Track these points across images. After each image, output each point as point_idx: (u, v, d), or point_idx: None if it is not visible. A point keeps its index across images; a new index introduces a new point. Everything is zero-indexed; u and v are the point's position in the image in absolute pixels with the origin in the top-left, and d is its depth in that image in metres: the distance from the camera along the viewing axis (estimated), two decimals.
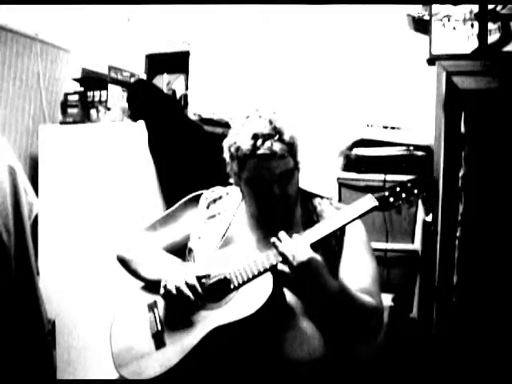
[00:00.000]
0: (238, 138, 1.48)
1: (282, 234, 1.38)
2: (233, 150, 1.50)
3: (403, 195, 1.42)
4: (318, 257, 1.34)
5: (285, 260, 1.34)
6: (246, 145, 1.46)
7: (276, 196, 1.48)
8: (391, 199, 1.42)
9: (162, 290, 1.46)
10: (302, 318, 1.44)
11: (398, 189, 1.43)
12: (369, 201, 1.42)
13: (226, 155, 1.54)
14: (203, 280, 1.44)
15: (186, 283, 1.42)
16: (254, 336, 1.39)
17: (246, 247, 1.49)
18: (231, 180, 1.59)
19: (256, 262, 1.41)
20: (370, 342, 1.58)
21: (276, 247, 1.36)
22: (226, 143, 1.55)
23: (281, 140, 1.46)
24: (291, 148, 1.49)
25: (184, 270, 1.47)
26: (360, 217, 1.42)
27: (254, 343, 1.39)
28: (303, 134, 1.57)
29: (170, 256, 1.61)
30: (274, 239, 1.37)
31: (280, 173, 1.47)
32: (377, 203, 1.41)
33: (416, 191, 1.42)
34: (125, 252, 1.65)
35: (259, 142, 1.44)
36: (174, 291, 1.42)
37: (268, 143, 1.44)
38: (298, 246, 1.34)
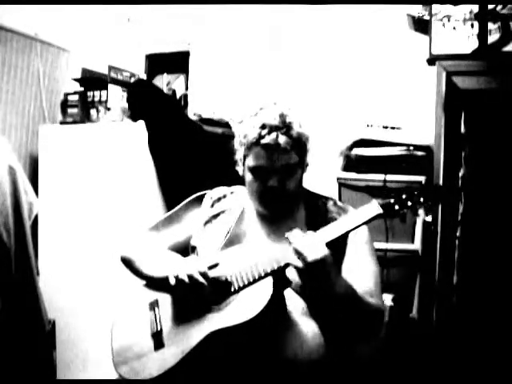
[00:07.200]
0: (248, 126, 1.52)
1: (297, 231, 1.38)
2: (241, 136, 1.53)
3: (409, 203, 1.40)
4: (329, 255, 1.34)
5: (299, 256, 1.33)
6: (253, 132, 1.49)
7: (272, 188, 1.49)
8: (396, 207, 1.41)
9: (172, 281, 1.44)
10: (302, 319, 1.44)
11: (403, 196, 1.41)
12: (373, 208, 1.41)
13: (236, 141, 1.57)
14: (213, 270, 1.44)
15: (199, 272, 1.41)
16: (253, 337, 1.38)
17: (251, 248, 1.48)
18: (238, 168, 1.60)
19: (257, 265, 1.40)
20: (371, 342, 1.57)
21: (291, 243, 1.35)
22: (236, 130, 1.58)
23: (287, 134, 1.48)
24: (297, 144, 1.50)
25: (193, 262, 1.47)
26: (364, 223, 1.41)
27: (254, 344, 1.39)
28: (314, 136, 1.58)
29: (175, 254, 1.61)
30: (288, 234, 1.37)
31: (281, 166, 1.49)
32: (381, 211, 1.40)
33: (422, 200, 1.40)
34: (128, 252, 1.66)
35: (265, 131, 1.47)
36: (187, 280, 1.41)
37: (274, 134, 1.47)
38: (314, 243, 1.34)
